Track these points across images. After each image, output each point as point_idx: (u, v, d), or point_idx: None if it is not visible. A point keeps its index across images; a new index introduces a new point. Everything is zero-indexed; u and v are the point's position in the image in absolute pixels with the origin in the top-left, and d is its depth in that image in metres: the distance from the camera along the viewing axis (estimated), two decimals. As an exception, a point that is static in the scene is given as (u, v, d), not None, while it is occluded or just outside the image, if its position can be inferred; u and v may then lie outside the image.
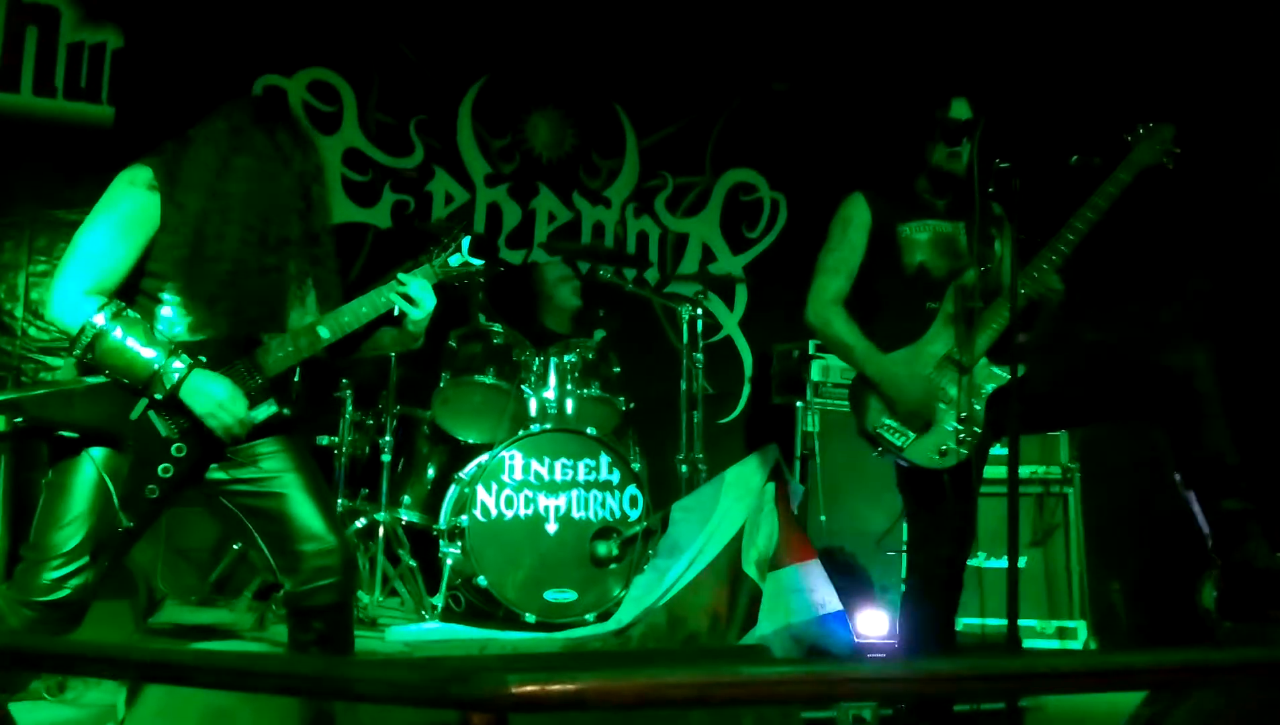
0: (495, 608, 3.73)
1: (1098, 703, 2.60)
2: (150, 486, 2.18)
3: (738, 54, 5.53)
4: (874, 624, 3.56)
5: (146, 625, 3.49)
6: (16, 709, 2.45)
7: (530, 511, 3.83)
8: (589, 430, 3.99)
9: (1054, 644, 3.88)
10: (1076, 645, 3.87)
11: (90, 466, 2.14)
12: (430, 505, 4.06)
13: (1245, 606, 2.55)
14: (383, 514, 3.88)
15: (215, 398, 2.19)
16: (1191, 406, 2.57)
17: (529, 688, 0.90)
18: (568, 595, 3.78)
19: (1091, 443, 4.09)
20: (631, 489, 3.97)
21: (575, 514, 3.87)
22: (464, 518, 3.74)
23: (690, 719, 2.35)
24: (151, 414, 2.19)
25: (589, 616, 3.76)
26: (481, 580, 3.68)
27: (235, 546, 3.96)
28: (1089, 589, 3.95)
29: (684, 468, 4.28)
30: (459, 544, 3.75)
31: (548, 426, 3.97)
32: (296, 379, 2.38)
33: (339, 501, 3.93)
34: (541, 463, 3.86)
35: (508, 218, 5.30)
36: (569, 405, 4.12)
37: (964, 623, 3.04)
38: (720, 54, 5.50)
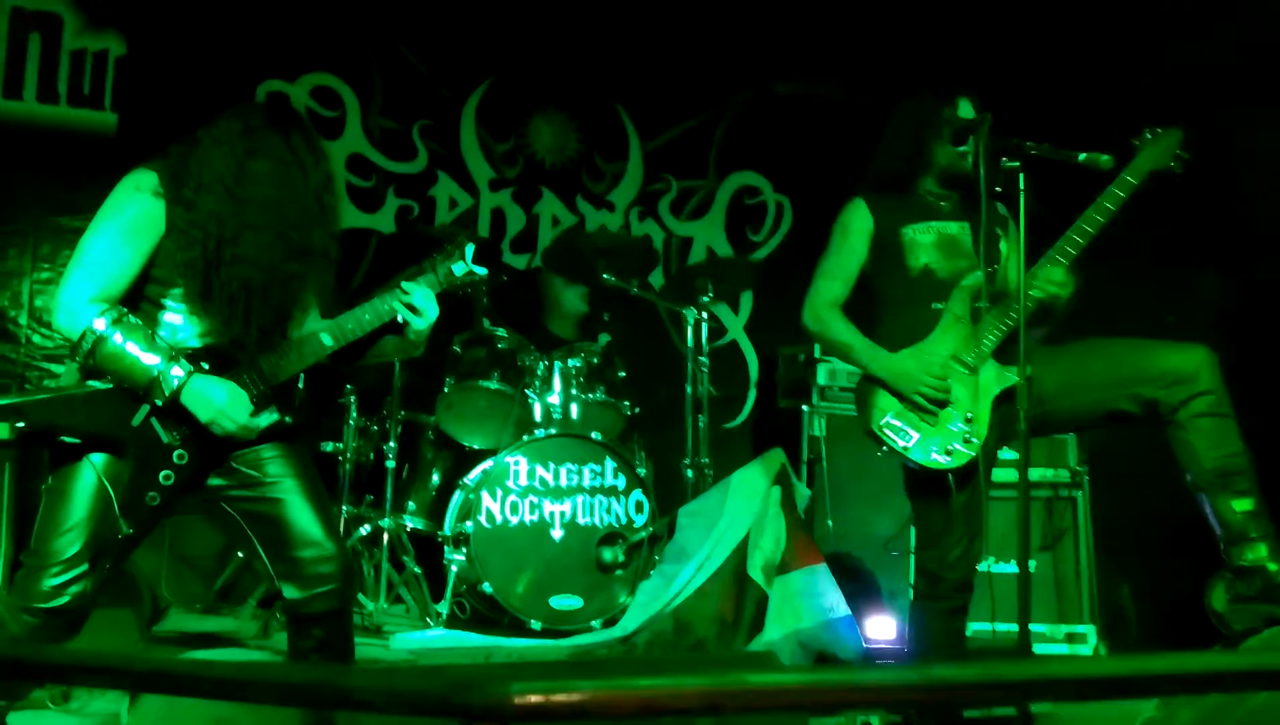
0: (500, 615, 3.71)
1: (1110, 708, 2.58)
2: (151, 493, 2.17)
3: (741, 56, 5.52)
4: (883, 629, 3.54)
5: (150, 633, 3.48)
6: (22, 719, 2.43)
7: (535, 517, 3.81)
8: (594, 435, 3.97)
9: (1063, 649, 3.85)
10: (1086, 650, 3.83)
11: (91, 472, 2.13)
12: (435, 511, 4.05)
13: (1257, 610, 2.53)
14: (387, 520, 3.86)
15: (216, 403, 2.17)
16: (1199, 407, 2.55)
17: (533, 697, 0.89)
18: (573, 602, 3.76)
19: (1100, 445, 4.06)
20: (637, 494, 3.95)
21: (581, 519, 3.85)
22: (469, 524, 3.72)
23: (697, 726, 2.32)
24: (154, 420, 2.18)
25: (595, 623, 3.74)
26: (486, 587, 3.66)
27: (240, 554, 3.95)
28: (1098, 593, 3.92)
29: (690, 472, 4.26)
30: (464, 550, 3.73)
31: (552, 431, 3.95)
32: (300, 386, 2.37)
33: (343, 508, 3.92)
34: (546, 468, 3.85)
35: (511, 222, 5.30)
36: (574, 410, 4.11)
37: (974, 628, 3.01)
38: (724, 56, 5.49)
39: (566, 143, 5.40)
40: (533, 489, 3.82)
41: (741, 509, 3.58)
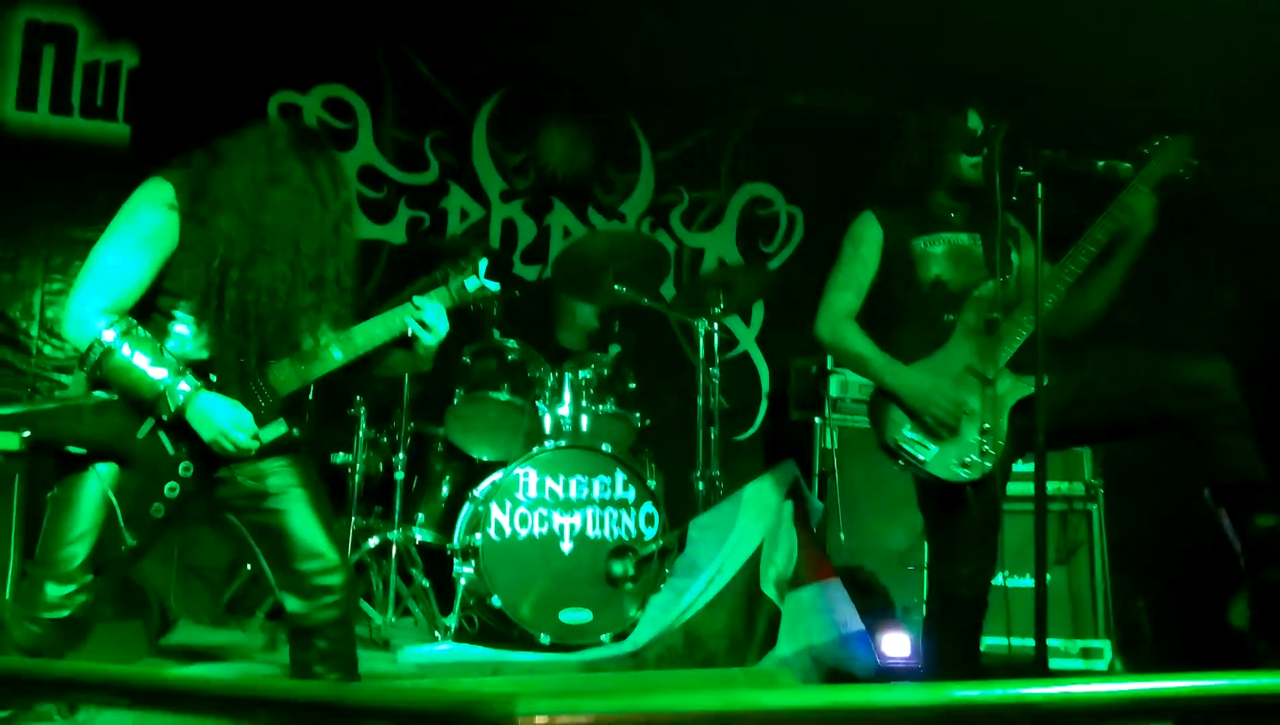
0: (509, 628, 3.68)
1: None
2: (156, 505, 2.16)
3: (753, 68, 5.51)
4: (897, 645, 3.49)
5: (158, 646, 3.46)
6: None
7: (545, 530, 3.78)
8: (604, 447, 3.94)
9: (1078, 664, 3.80)
10: (1102, 665, 3.79)
11: (96, 483, 2.14)
12: (444, 523, 4.03)
13: (1280, 626, 2.48)
14: (396, 533, 3.84)
15: (220, 422, 2.17)
16: (1220, 420, 2.51)
17: (538, 719, 0.86)
18: (583, 615, 3.73)
19: (1115, 458, 4.02)
20: (647, 507, 3.92)
21: (590, 532, 3.82)
22: (478, 536, 3.70)
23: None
24: (160, 432, 2.18)
25: (605, 637, 3.70)
26: (495, 600, 3.64)
27: (249, 566, 3.93)
28: (1114, 608, 3.87)
29: (701, 485, 4.23)
30: (472, 563, 3.71)
31: (562, 443, 3.93)
32: (310, 397, 2.36)
33: (352, 519, 3.90)
34: (556, 480, 3.82)
35: (523, 233, 5.29)
36: (584, 422, 4.08)
37: (988, 642, 2.97)
38: (736, 68, 5.49)
39: (578, 154, 5.40)
40: (542, 501, 3.79)
41: (753, 522, 3.54)
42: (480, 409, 4.08)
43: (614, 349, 4.38)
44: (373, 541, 3.89)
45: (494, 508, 3.73)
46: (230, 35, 4.69)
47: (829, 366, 4.59)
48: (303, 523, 2.28)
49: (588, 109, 5.40)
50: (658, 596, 3.66)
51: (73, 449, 2.15)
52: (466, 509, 3.88)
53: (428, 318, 2.41)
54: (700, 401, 4.31)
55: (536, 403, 4.04)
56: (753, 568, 3.45)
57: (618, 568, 3.81)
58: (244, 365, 2.24)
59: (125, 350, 2.12)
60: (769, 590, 3.38)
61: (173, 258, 2.18)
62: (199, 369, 2.20)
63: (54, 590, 2.09)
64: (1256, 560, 2.51)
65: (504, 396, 4.02)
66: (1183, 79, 4.46)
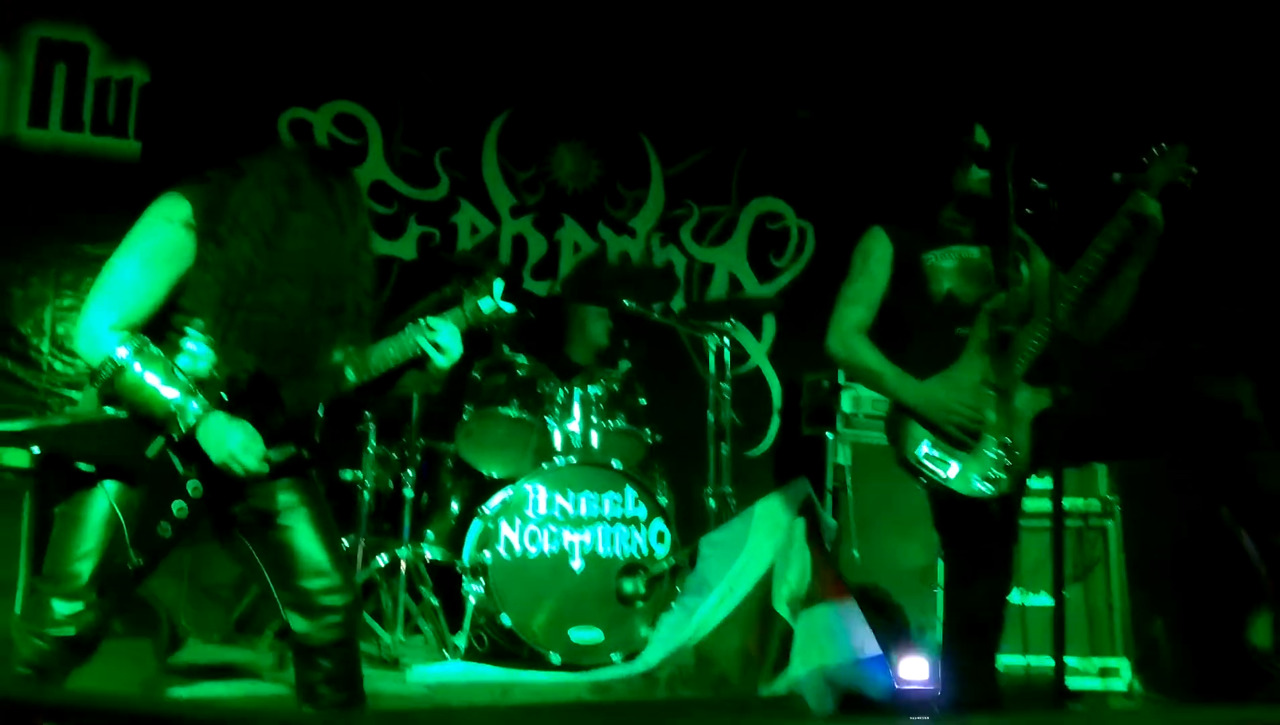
0: (519, 647, 3.65)
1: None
2: (163, 524, 2.14)
3: (762, 82, 5.51)
4: (913, 667, 3.43)
5: (167, 664, 3.44)
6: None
7: (555, 547, 3.75)
8: (614, 463, 3.91)
9: (1096, 683, 3.75)
10: (1120, 685, 3.73)
11: (104, 500, 2.12)
12: (454, 541, 4.00)
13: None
14: (405, 550, 3.81)
15: (231, 444, 2.15)
16: (1239, 438, 2.48)
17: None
18: (594, 634, 3.69)
19: (1132, 473, 3.97)
20: (658, 524, 3.89)
21: (601, 550, 3.79)
22: (487, 554, 3.67)
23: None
24: (169, 451, 2.16)
25: (615, 657, 3.67)
26: (505, 619, 3.60)
27: (257, 585, 3.91)
28: (1131, 626, 3.81)
29: (712, 501, 4.19)
30: (482, 581, 3.68)
31: (572, 460, 3.90)
32: (320, 414, 2.34)
33: (361, 537, 3.88)
34: (566, 497, 3.79)
35: (533, 249, 5.28)
36: (594, 438, 4.05)
37: (1006, 661, 2.93)
38: (745, 82, 5.48)
39: (588, 169, 5.40)
40: (552, 518, 3.77)
41: (765, 540, 3.50)
42: (490, 425, 4.06)
43: (624, 364, 4.36)
44: (382, 559, 3.86)
45: (503, 525, 3.70)
46: (240, 52, 4.71)
47: (841, 381, 4.55)
48: (308, 541, 2.27)
49: (597, 124, 5.39)
50: (669, 615, 3.62)
51: (81, 466, 2.13)
52: (476, 526, 3.85)
53: (441, 339, 2.40)
54: (711, 417, 4.28)
55: (546, 419, 4.02)
56: (765, 586, 3.41)
57: (628, 586, 3.78)
58: (255, 384, 2.22)
59: (137, 368, 2.10)
60: (782, 609, 3.33)
61: (187, 275, 2.16)
62: (210, 387, 2.18)
63: (61, 607, 2.08)
64: (1279, 579, 2.47)
65: (514, 412, 4.00)
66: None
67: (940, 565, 3.06)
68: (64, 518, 2.14)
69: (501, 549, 3.69)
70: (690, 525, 4.14)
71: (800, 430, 4.87)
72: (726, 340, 4.28)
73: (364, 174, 4.98)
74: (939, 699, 2.74)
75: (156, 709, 1.11)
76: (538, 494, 3.77)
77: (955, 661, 2.66)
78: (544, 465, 3.85)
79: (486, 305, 2.50)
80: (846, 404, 4.53)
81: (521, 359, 4.10)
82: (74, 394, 4.32)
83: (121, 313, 2.13)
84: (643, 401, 4.21)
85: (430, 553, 3.95)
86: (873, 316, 2.79)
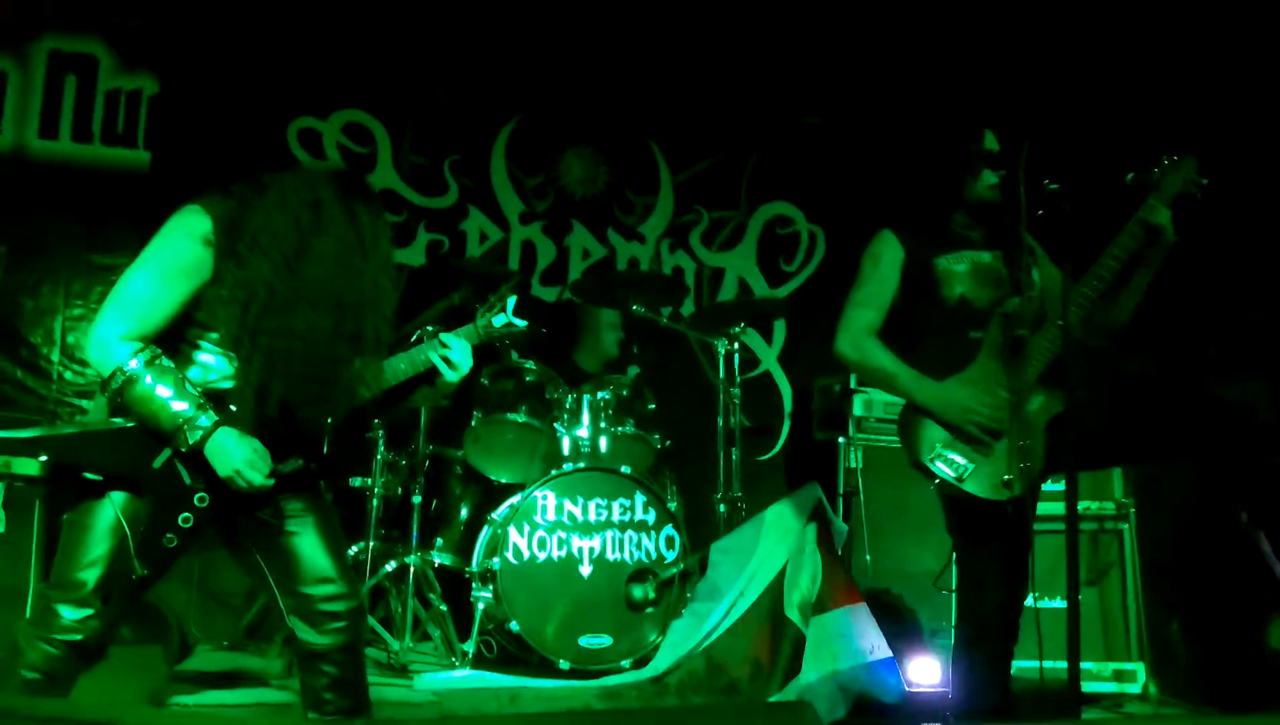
0: (528, 654, 3.63)
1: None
2: (169, 535, 2.15)
3: (771, 87, 5.50)
4: (925, 671, 3.41)
5: (175, 671, 3.44)
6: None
7: (564, 553, 3.74)
8: (624, 469, 3.90)
9: (1112, 687, 3.71)
10: (1135, 688, 3.69)
11: (110, 510, 2.12)
12: (463, 547, 3.99)
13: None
14: (413, 557, 3.81)
15: (237, 459, 2.14)
16: (1256, 441, 2.45)
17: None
18: (603, 641, 3.67)
19: (1148, 477, 3.94)
20: (668, 529, 3.87)
21: (610, 556, 3.78)
22: (495, 560, 3.66)
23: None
24: (177, 462, 2.16)
25: (625, 663, 3.65)
26: (514, 625, 3.59)
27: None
28: (1147, 629, 3.77)
29: (722, 507, 4.17)
30: (490, 587, 3.66)
31: (581, 465, 3.89)
32: (329, 424, 2.33)
33: (370, 543, 3.87)
34: (575, 503, 3.78)
35: (542, 255, 5.28)
36: (603, 443, 4.04)
37: (1020, 665, 2.90)
38: (754, 87, 5.48)
39: (597, 175, 5.39)
40: (561, 524, 3.75)
41: (776, 545, 3.48)
42: (498, 431, 4.05)
43: (633, 370, 4.35)
44: (390, 565, 3.86)
45: (512, 531, 3.69)
46: (249, 63, 4.74)
47: (852, 385, 4.53)
48: (312, 547, 2.27)
49: (606, 131, 5.39)
50: (679, 621, 3.60)
51: (89, 475, 2.13)
52: (485, 532, 3.84)
53: (453, 356, 2.41)
54: (721, 422, 4.26)
55: (555, 424, 4.01)
56: (776, 592, 3.38)
57: (638, 592, 3.76)
58: (267, 404, 2.20)
59: (148, 380, 2.10)
60: (793, 615, 3.31)
61: (203, 290, 2.16)
62: (220, 399, 2.18)
63: (68, 613, 2.08)
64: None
65: (522, 418, 3.99)
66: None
67: (953, 569, 3.03)
68: (71, 525, 2.15)
69: (510, 555, 3.67)
70: (700, 531, 4.12)
71: (812, 434, 4.85)
72: (736, 345, 4.26)
73: (373, 182, 4.98)
74: (951, 703, 2.71)
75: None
76: (546, 500, 3.76)
77: (968, 666, 2.63)
78: (553, 471, 3.83)
79: (499, 321, 2.52)
80: (858, 408, 4.51)
81: (530, 364, 4.09)
82: (83, 403, 4.33)
83: (134, 324, 2.13)
84: (652, 406, 4.19)
85: (439, 559, 3.94)
86: (883, 319, 2.77)
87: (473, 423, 4.03)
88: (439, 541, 4.05)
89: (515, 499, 3.78)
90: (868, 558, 4.08)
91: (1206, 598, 3.97)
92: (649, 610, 3.76)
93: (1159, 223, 2.56)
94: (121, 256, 4.40)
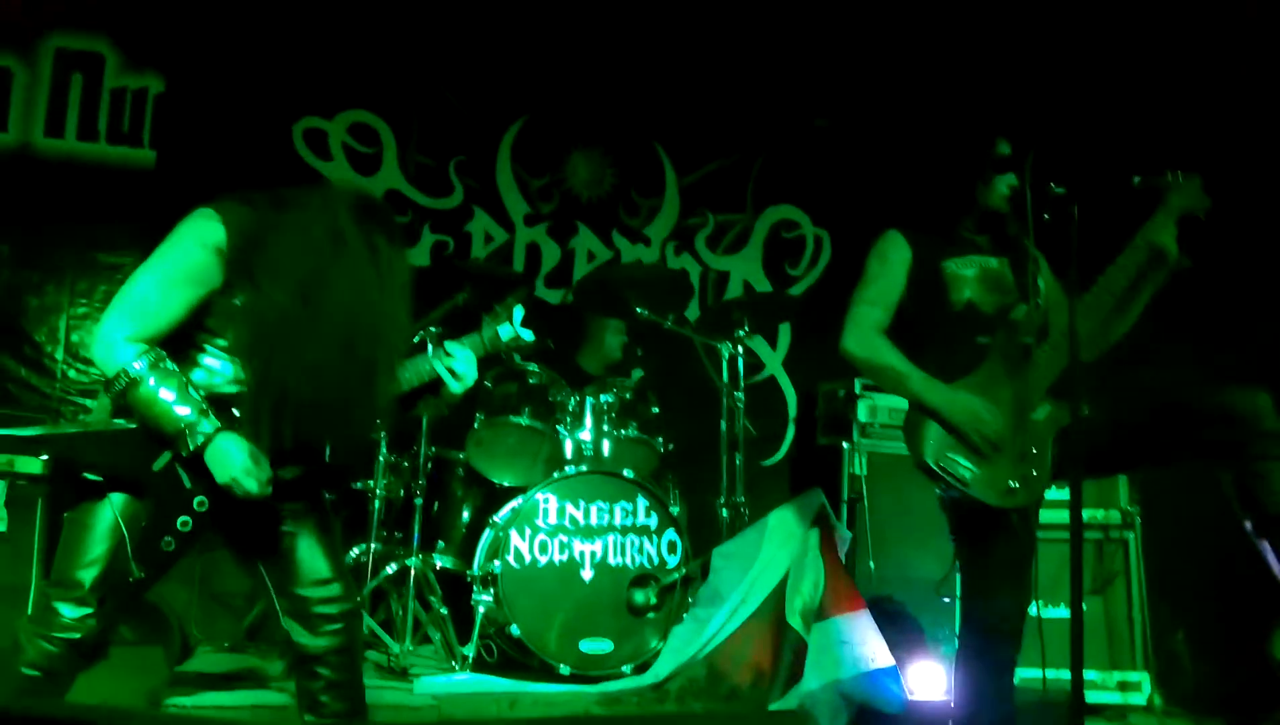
0: (529, 658, 3.62)
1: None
2: (167, 538, 2.14)
3: (778, 91, 5.49)
4: (928, 680, 3.39)
5: (176, 672, 3.43)
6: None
7: (565, 557, 3.72)
8: (626, 472, 3.88)
9: (1116, 697, 3.69)
10: (1140, 699, 3.67)
11: (110, 511, 2.11)
12: (465, 550, 3.97)
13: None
14: (414, 559, 3.80)
15: (235, 468, 2.13)
16: (1260, 449, 2.43)
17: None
18: (604, 645, 3.65)
19: (1152, 485, 3.92)
20: (670, 534, 3.85)
21: (612, 560, 3.76)
22: (497, 564, 3.64)
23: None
24: (178, 465, 2.15)
25: (626, 668, 3.63)
26: (514, 629, 3.58)
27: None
28: (1152, 639, 3.75)
29: (725, 512, 4.15)
30: (491, 591, 3.65)
31: (583, 468, 3.87)
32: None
33: (372, 545, 3.86)
34: (577, 506, 3.76)
35: (547, 257, 5.28)
36: (606, 446, 4.02)
37: (1023, 674, 2.88)
38: (760, 91, 5.47)
39: (602, 178, 5.39)
40: (562, 528, 3.74)
41: (779, 551, 3.46)
42: (501, 434, 4.04)
43: (636, 373, 4.33)
44: (391, 568, 3.85)
45: (514, 534, 3.68)
46: (255, 62, 4.74)
47: (857, 390, 4.51)
48: (309, 549, 2.27)
49: (612, 133, 5.38)
50: (680, 627, 3.58)
51: (89, 475, 2.13)
52: (486, 535, 3.83)
53: (458, 367, 2.41)
54: (724, 426, 4.24)
55: (557, 427, 4.00)
56: (778, 598, 3.37)
57: (639, 596, 3.74)
58: (277, 431, 2.19)
59: (152, 383, 2.09)
60: (795, 621, 3.29)
61: (212, 297, 2.15)
62: (224, 404, 2.17)
63: (67, 611, 2.08)
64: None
65: (524, 421, 3.98)
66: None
67: (957, 577, 3.01)
68: (72, 524, 2.14)
69: (512, 558, 3.66)
70: (703, 535, 4.10)
71: (816, 440, 4.84)
72: (740, 348, 4.25)
73: (378, 183, 4.98)
74: (954, 712, 2.69)
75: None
76: (548, 503, 3.74)
77: (971, 674, 2.61)
78: (555, 474, 3.82)
79: (505, 332, 2.51)
80: (863, 413, 4.49)
81: (533, 367, 4.08)
82: (87, 402, 4.33)
83: (139, 325, 2.12)
84: (655, 410, 4.18)
85: (440, 562, 3.93)
86: (890, 319, 2.74)
87: (475, 425, 4.02)
88: (440, 544, 4.04)
89: (517, 502, 3.77)
90: (871, 564, 4.06)
91: (1212, 607, 3.95)
92: (650, 615, 3.74)
93: (1163, 242, 2.55)
94: (126, 255, 4.42)
